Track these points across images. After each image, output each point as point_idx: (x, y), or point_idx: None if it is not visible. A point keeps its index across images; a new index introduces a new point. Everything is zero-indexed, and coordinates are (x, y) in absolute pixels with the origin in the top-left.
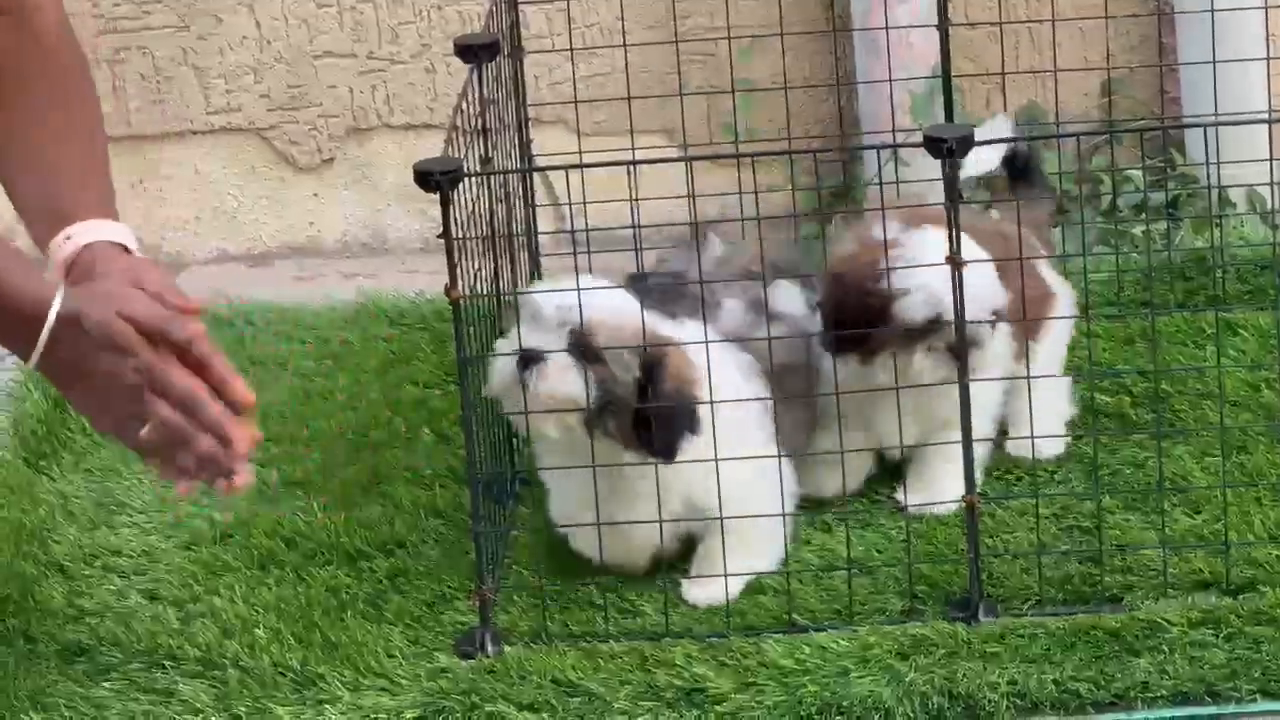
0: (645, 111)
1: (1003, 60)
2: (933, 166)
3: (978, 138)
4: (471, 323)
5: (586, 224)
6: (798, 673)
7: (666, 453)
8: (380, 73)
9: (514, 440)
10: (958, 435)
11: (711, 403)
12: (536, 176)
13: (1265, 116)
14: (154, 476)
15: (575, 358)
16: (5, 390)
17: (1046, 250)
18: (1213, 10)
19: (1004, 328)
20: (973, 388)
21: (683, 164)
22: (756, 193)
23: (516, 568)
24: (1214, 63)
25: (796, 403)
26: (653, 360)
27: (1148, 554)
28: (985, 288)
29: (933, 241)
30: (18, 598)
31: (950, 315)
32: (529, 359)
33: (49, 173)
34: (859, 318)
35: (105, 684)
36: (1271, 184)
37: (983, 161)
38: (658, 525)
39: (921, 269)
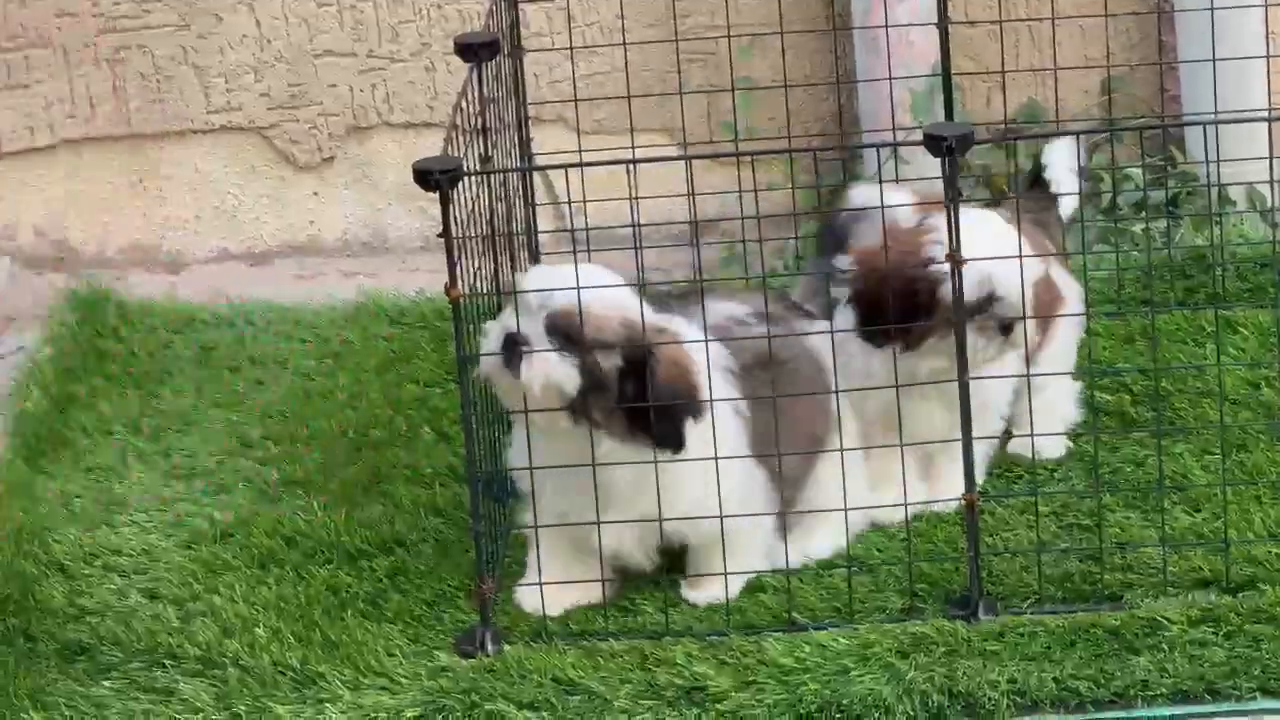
0: (645, 110)
1: (1003, 58)
2: (933, 164)
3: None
4: (471, 321)
5: (586, 222)
6: (798, 671)
7: (671, 442)
8: (380, 71)
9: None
10: (983, 430)
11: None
12: (536, 175)
13: (1265, 114)
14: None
15: (554, 342)
16: (5, 390)
17: (1057, 251)
18: (1212, 8)
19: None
20: (986, 381)
21: (682, 162)
22: (756, 191)
23: (516, 566)
24: (1214, 60)
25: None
26: (644, 350)
27: (1148, 552)
28: (1030, 260)
29: (973, 222)
30: (18, 597)
31: (1000, 290)
32: (511, 343)
33: None
34: (907, 304)
35: (105, 683)
36: (1271, 182)
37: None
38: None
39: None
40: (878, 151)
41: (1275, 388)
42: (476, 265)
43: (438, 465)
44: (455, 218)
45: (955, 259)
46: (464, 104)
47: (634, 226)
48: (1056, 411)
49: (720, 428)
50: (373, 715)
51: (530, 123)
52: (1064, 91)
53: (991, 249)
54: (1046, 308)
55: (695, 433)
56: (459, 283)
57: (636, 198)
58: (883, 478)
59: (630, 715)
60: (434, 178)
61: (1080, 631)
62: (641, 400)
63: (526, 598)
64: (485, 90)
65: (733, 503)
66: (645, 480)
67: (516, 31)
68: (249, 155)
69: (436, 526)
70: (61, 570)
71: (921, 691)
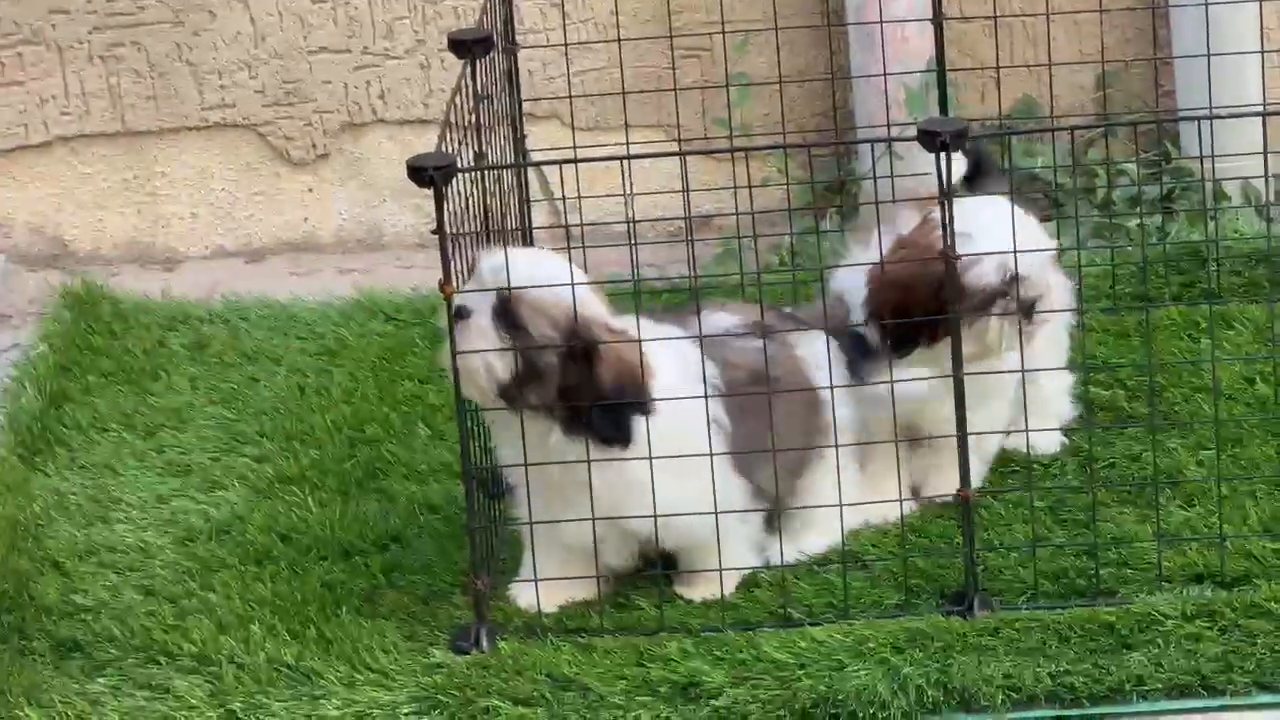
0: (640, 106)
1: (997, 54)
2: (927, 160)
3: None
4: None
5: (581, 219)
6: (793, 666)
7: (614, 438)
8: (375, 68)
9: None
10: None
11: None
12: (531, 171)
13: (1260, 110)
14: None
15: (497, 324)
16: (0, 387)
17: None
18: (1207, 3)
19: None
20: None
21: (677, 158)
22: (750, 187)
23: (512, 562)
24: (1209, 56)
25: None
26: (588, 344)
27: (1142, 547)
28: (1041, 238)
29: (980, 207)
30: (13, 594)
31: (1022, 270)
32: (459, 314)
33: None
34: (932, 298)
35: (100, 679)
36: (1266, 177)
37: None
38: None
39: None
40: (872, 147)
41: (1270, 382)
42: (471, 262)
43: (433, 461)
44: (449, 214)
45: (949, 255)
46: (458, 100)
47: (629, 223)
48: (1051, 408)
49: (694, 438)
50: (368, 711)
51: (525, 119)
52: (1059, 87)
53: (1007, 232)
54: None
55: (658, 437)
56: (453, 279)
57: (631, 194)
58: (887, 480)
59: (625, 711)
60: (428, 174)
61: (1075, 626)
62: (584, 394)
63: (521, 594)
64: (479, 87)
65: (704, 509)
66: (608, 481)
67: (511, 27)
68: (244, 152)
69: (431, 523)
70: (56, 567)
71: (917, 687)
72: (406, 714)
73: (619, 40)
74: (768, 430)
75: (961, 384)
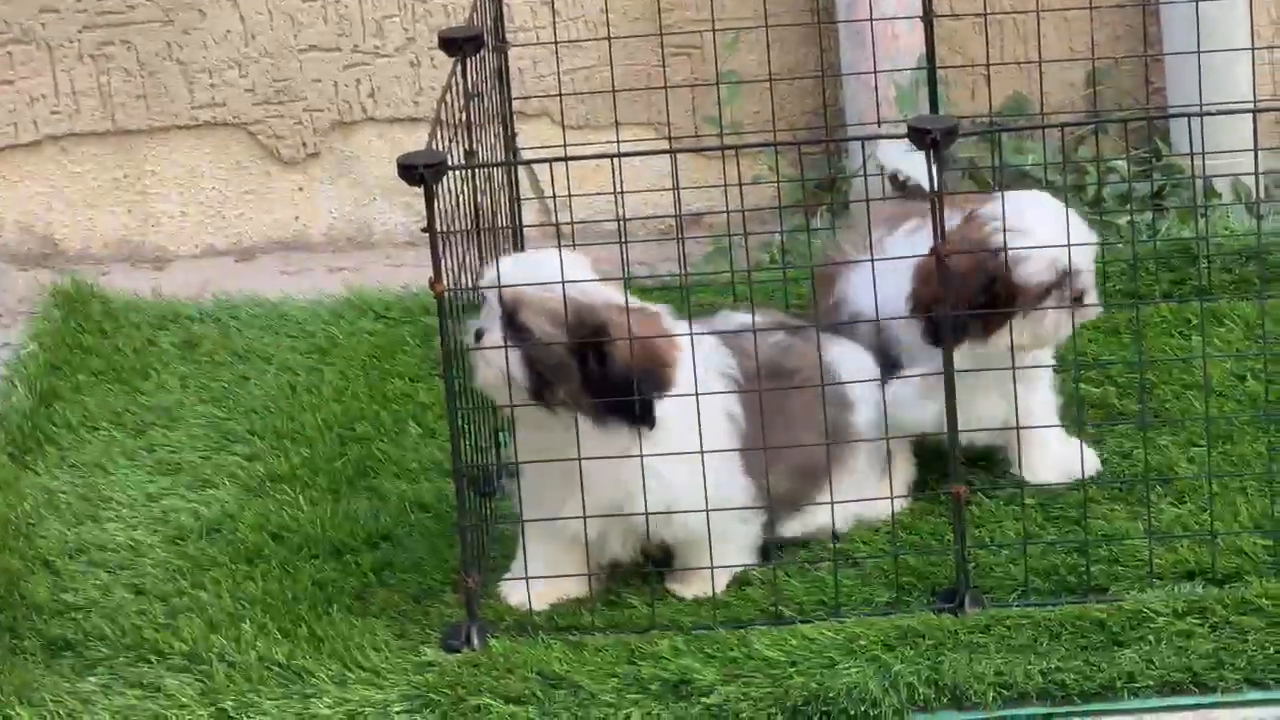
0: (630, 104)
1: (987, 51)
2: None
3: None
4: (457, 316)
5: (571, 216)
6: (784, 664)
7: (640, 420)
8: (365, 66)
9: (499, 434)
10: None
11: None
12: (521, 169)
13: (1250, 106)
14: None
15: (509, 333)
16: None
17: None
18: (1197, 1)
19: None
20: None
21: (667, 156)
22: (741, 185)
23: (503, 560)
24: (1199, 53)
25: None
26: (596, 333)
27: (1134, 544)
28: (1086, 231)
29: (1026, 202)
30: (3, 593)
31: (1075, 265)
32: (478, 336)
33: None
34: (984, 291)
35: (91, 678)
36: (1256, 174)
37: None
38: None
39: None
40: (863, 145)
41: (1261, 379)
42: (461, 260)
43: (423, 460)
44: (440, 212)
45: (940, 252)
46: (448, 98)
47: (619, 220)
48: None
49: (707, 430)
50: (359, 710)
51: (515, 117)
52: (1049, 84)
53: (1058, 227)
54: None
55: (669, 427)
56: (444, 277)
57: (621, 192)
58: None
59: (616, 709)
60: (418, 172)
61: (1066, 624)
62: (608, 382)
63: (512, 592)
64: (470, 85)
65: (710, 502)
66: (618, 472)
67: (501, 26)
68: (234, 151)
69: (422, 521)
70: (47, 566)
71: (908, 684)
72: (398, 712)
73: (609, 38)
74: (784, 433)
75: (953, 380)
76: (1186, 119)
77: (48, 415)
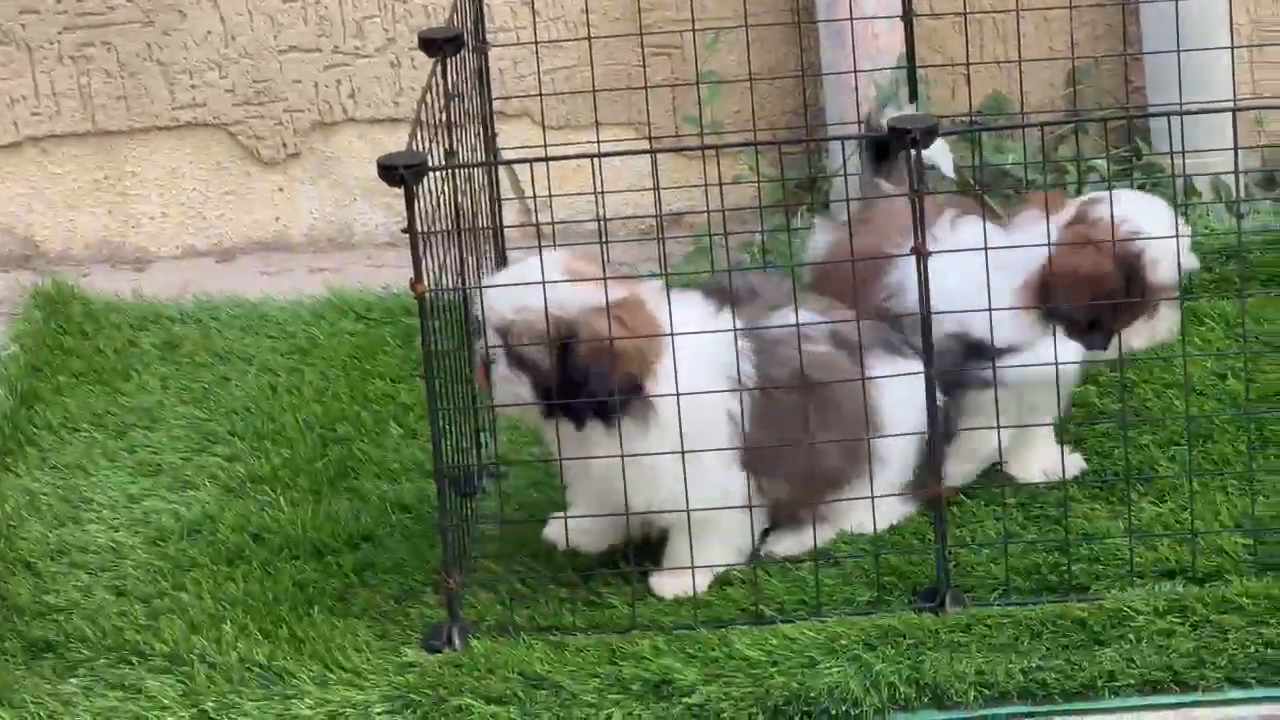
0: (610, 104)
1: (967, 50)
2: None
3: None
4: (437, 317)
5: (552, 217)
6: (765, 664)
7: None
8: (345, 67)
9: (481, 434)
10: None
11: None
12: (502, 170)
13: (1230, 105)
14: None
15: (509, 364)
16: None
17: None
18: (1177, 0)
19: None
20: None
21: (648, 156)
22: (721, 184)
23: (484, 561)
24: (1179, 51)
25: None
26: (563, 340)
27: (1114, 543)
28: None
29: (1126, 199)
30: None
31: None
32: (484, 365)
33: None
34: (1119, 288)
35: (72, 680)
36: (1236, 173)
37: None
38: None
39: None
40: (843, 144)
41: (1241, 378)
42: (442, 260)
43: (404, 460)
44: (420, 213)
45: (921, 251)
46: (429, 99)
47: (600, 221)
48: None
49: (702, 425)
50: (340, 711)
51: (495, 117)
52: (1029, 83)
53: (1171, 225)
54: None
55: (661, 422)
56: (424, 278)
57: (602, 192)
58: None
59: (597, 709)
60: (399, 173)
61: (1047, 623)
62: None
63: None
64: (450, 85)
65: (704, 499)
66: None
67: (481, 26)
68: (214, 152)
69: (403, 522)
70: (28, 567)
71: (889, 683)
72: (379, 713)
73: (589, 38)
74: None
75: (933, 381)
76: (1166, 118)
77: (28, 416)
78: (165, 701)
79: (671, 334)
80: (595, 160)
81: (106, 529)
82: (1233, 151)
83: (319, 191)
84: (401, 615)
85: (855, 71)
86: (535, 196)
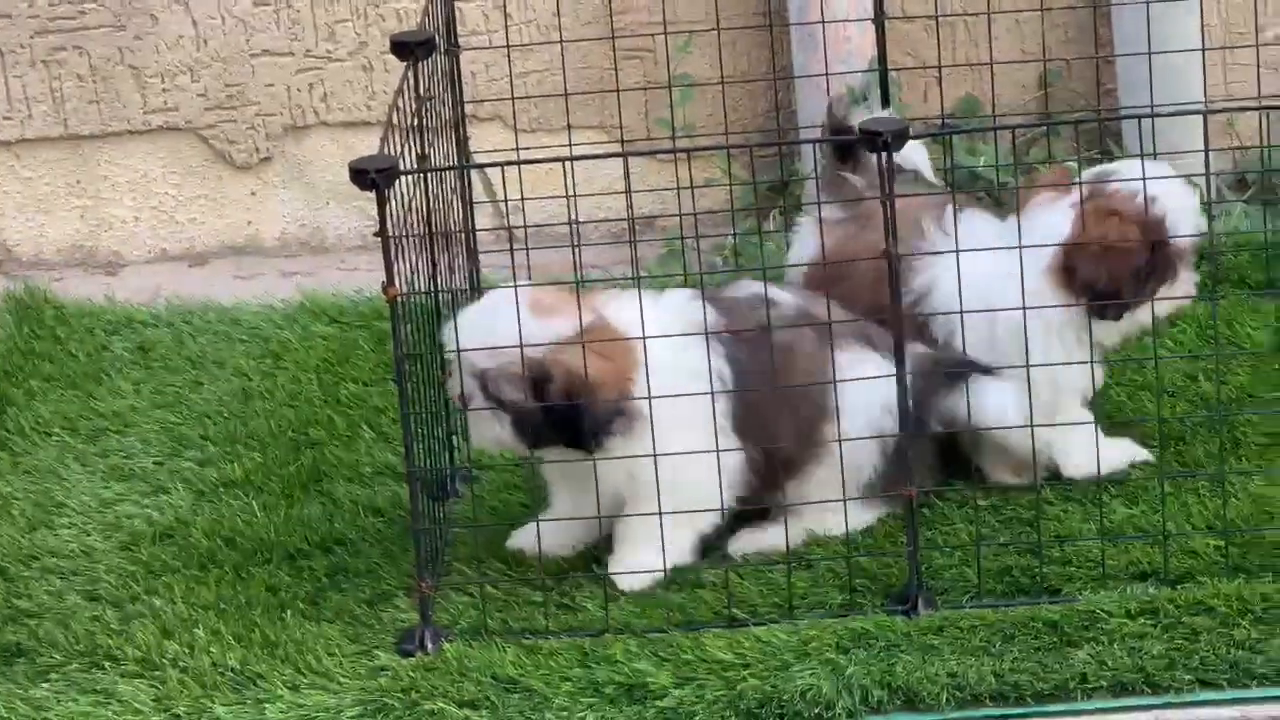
0: (583, 107)
1: (939, 53)
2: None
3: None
4: (410, 320)
5: (525, 220)
6: (738, 667)
7: (588, 445)
8: (317, 71)
9: (453, 438)
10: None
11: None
12: (474, 173)
13: (1201, 108)
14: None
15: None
16: None
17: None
18: (1148, 2)
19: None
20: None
21: (620, 159)
22: (694, 187)
23: (457, 565)
24: (1149, 54)
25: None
26: (538, 379)
27: (1086, 545)
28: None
29: (1138, 169)
30: None
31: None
32: (463, 401)
33: None
34: (1146, 260)
35: (44, 684)
36: (1207, 175)
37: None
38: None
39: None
40: (814, 148)
41: (1213, 380)
42: (414, 264)
43: (377, 464)
44: (392, 216)
45: (891, 253)
46: (400, 103)
47: (572, 224)
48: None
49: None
50: (312, 715)
51: (468, 121)
52: (1000, 86)
53: (1180, 192)
54: None
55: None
56: (396, 282)
57: (574, 195)
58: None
59: (570, 713)
60: (370, 177)
61: (1019, 625)
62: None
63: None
64: (422, 89)
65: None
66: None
67: (453, 29)
68: (186, 156)
69: (376, 526)
70: (0, 572)
71: (861, 686)
72: (351, 717)
73: (561, 42)
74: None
75: (904, 382)
76: (1137, 120)
77: (0, 421)
78: (137, 706)
79: (644, 336)
80: (566, 164)
81: (79, 533)
82: (1204, 154)
83: (291, 195)
84: (374, 619)
85: (827, 74)
86: (507, 200)
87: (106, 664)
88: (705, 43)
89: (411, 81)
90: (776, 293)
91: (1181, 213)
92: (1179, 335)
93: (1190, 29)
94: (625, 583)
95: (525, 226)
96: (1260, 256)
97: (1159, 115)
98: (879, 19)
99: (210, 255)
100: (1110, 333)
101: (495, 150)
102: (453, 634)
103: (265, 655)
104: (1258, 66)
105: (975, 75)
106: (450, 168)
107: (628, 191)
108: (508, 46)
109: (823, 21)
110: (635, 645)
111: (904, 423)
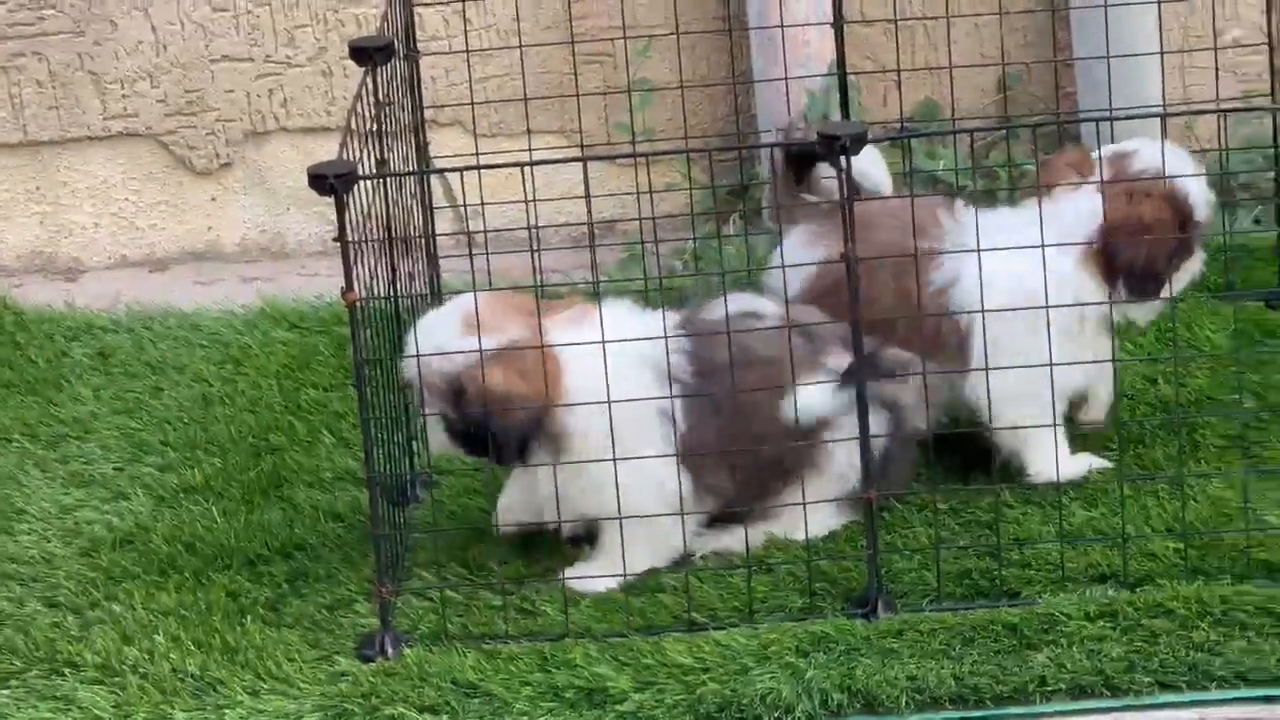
0: (542, 112)
1: (898, 57)
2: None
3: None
4: (369, 325)
5: (485, 225)
6: (697, 671)
7: (500, 456)
8: (277, 76)
9: (413, 443)
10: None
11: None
12: (434, 178)
13: (1159, 110)
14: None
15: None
16: None
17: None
18: (1106, 6)
19: None
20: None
21: (580, 164)
22: (653, 192)
23: (417, 570)
24: (1108, 58)
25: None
26: (455, 391)
27: (1045, 548)
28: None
29: (1150, 145)
30: None
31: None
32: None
33: None
34: (1177, 230)
35: (4, 692)
36: (1164, 178)
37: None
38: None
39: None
40: (772, 152)
41: (1171, 383)
42: (374, 269)
43: (337, 469)
44: (351, 222)
45: (850, 256)
46: (360, 108)
47: (531, 229)
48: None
49: (629, 425)
50: None
51: (427, 126)
52: (960, 90)
53: (1187, 161)
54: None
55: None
56: (355, 287)
57: (534, 200)
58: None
59: (530, 717)
60: (329, 182)
61: (979, 628)
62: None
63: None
64: (381, 94)
65: (640, 499)
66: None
67: (412, 34)
68: (146, 162)
69: (336, 531)
70: None
71: (821, 690)
72: None
73: (520, 46)
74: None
75: (864, 388)
76: (1096, 123)
77: None
78: (97, 713)
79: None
80: (525, 169)
81: (38, 539)
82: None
83: (251, 201)
84: (334, 624)
85: (786, 79)
86: (467, 205)
87: (66, 670)
88: (665, 47)
89: (370, 87)
90: (761, 304)
91: (1200, 187)
92: (1139, 339)
93: (1149, 33)
94: (579, 586)
95: (485, 231)
96: (1219, 259)
97: (1118, 119)
98: (838, 23)
99: (170, 261)
100: (1148, 312)
101: (455, 155)
102: (413, 639)
103: (225, 661)
104: (1216, 70)
105: (934, 79)
106: (410, 173)
107: (587, 196)
108: (467, 51)
109: (782, 26)
110: (595, 650)
111: (864, 429)
